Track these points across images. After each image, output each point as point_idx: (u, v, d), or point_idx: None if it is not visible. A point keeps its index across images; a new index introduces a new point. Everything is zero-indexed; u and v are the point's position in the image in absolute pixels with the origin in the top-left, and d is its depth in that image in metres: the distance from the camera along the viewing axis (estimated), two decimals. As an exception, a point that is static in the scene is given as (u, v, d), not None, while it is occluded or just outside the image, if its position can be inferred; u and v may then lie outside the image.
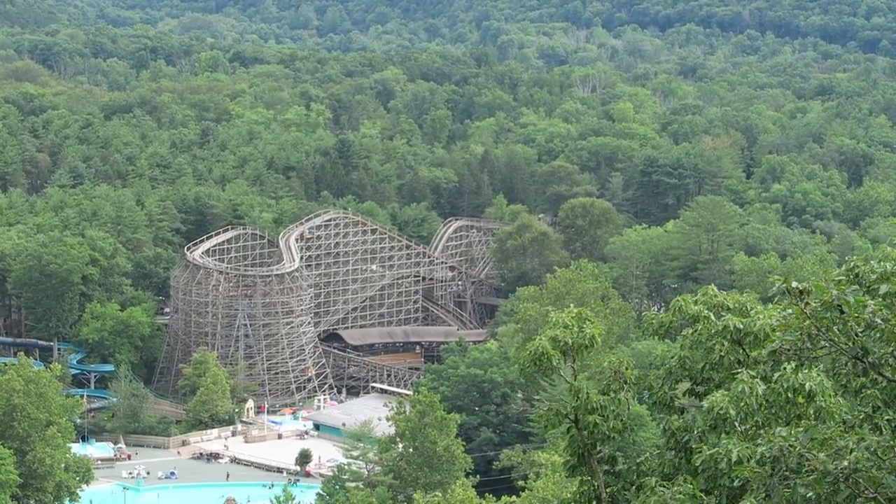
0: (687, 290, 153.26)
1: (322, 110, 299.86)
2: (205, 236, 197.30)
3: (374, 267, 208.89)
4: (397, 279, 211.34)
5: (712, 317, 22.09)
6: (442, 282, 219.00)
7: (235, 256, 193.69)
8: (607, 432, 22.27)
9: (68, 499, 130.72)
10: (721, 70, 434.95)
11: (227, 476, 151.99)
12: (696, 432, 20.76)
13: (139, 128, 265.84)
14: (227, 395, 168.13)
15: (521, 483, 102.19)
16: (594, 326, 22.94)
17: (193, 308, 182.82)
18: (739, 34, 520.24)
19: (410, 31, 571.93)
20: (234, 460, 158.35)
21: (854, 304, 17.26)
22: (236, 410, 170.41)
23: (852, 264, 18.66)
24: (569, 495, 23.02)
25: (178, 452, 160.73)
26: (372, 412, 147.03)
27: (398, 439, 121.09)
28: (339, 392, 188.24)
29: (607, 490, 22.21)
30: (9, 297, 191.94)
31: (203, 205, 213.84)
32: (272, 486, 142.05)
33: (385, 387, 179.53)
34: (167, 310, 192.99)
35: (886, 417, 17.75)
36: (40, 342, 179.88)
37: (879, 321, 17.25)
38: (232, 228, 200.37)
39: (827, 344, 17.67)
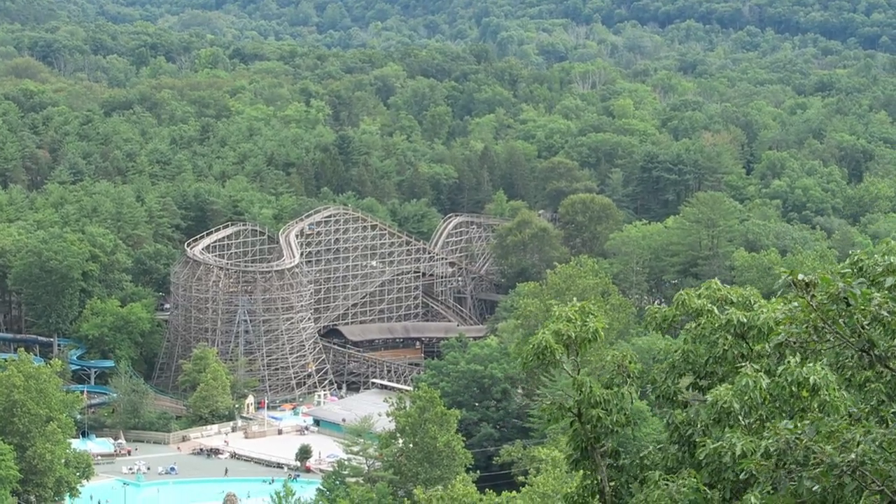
0: (687, 286, 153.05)
1: (322, 107, 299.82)
2: (205, 232, 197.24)
3: (374, 263, 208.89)
4: (397, 275, 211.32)
5: (716, 310, 22.05)
6: (442, 278, 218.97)
7: (235, 252, 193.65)
8: (610, 426, 22.24)
9: (68, 494, 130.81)
10: (721, 66, 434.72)
11: (226, 472, 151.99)
12: (699, 426, 20.72)
13: (139, 124, 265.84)
14: (227, 390, 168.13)
15: (521, 478, 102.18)
16: (597, 320, 22.91)
17: (193, 304, 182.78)
18: (739, 30, 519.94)
19: (410, 27, 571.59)
20: (235, 456, 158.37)
21: (860, 297, 17.22)
22: (236, 406, 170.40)
23: (856, 258, 18.62)
24: (571, 489, 23.01)
25: (178, 448, 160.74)
26: (372, 408, 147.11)
27: (398, 435, 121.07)
28: (340, 388, 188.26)
29: (610, 484, 22.20)
30: (9, 294, 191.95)
31: (203, 201, 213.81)
32: (272, 481, 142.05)
33: (385, 382, 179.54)
34: (167, 306, 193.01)
35: (892, 410, 17.72)
36: (40, 338, 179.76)
37: (886, 314, 17.21)
38: (232, 224, 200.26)
39: (833, 337, 17.64)
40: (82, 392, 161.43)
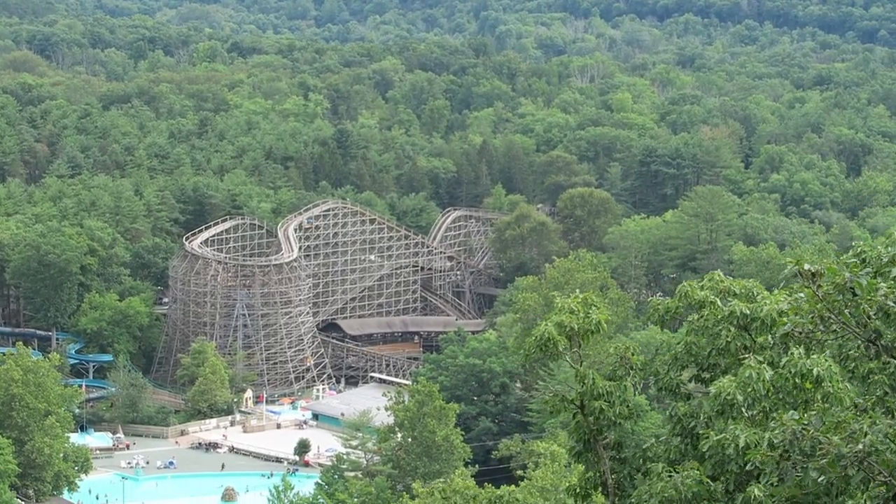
0: (685, 280, 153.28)
1: (320, 100, 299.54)
2: (203, 226, 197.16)
3: (372, 257, 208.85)
4: (396, 269, 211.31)
5: (718, 302, 21.96)
6: (440, 272, 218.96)
7: (234, 246, 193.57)
8: (613, 418, 22.15)
9: (67, 488, 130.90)
10: (719, 60, 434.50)
11: (223, 466, 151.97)
12: (702, 418, 20.65)
13: (137, 118, 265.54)
14: (225, 384, 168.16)
15: (519, 472, 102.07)
16: (600, 312, 22.82)
17: (192, 298, 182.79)
18: (738, 24, 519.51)
19: (408, 21, 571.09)
20: (233, 450, 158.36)
21: (867, 287, 17.14)
22: (235, 400, 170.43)
23: (859, 249, 18.53)
24: (573, 482, 22.95)
25: (177, 442, 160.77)
26: (370, 402, 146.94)
27: (397, 429, 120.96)
28: (338, 382, 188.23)
29: (613, 476, 22.12)
30: (7, 287, 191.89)
31: (201, 195, 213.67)
32: (271, 475, 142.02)
33: (384, 376, 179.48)
34: (166, 300, 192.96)
35: (897, 401, 17.67)
36: (39, 332, 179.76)
37: (892, 304, 17.12)
38: (230, 218, 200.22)
39: (839, 327, 17.56)
40: (81, 386, 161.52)
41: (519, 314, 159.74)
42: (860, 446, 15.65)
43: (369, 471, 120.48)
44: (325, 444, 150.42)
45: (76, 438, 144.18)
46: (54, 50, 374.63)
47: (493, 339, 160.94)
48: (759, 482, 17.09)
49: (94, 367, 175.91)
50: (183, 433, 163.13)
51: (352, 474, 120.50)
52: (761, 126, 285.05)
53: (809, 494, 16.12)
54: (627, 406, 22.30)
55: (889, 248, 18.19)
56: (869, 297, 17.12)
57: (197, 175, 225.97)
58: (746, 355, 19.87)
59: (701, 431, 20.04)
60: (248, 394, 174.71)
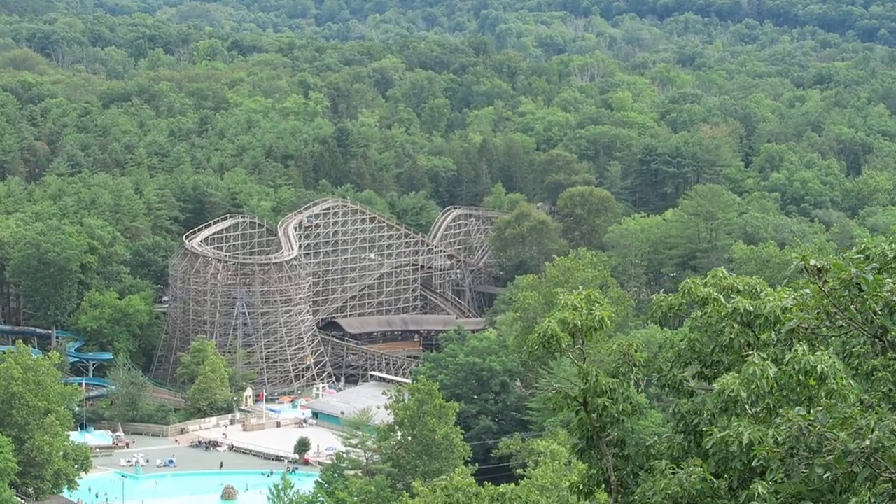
0: (686, 278, 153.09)
1: (320, 99, 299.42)
2: (203, 224, 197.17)
3: (372, 255, 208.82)
4: (396, 268, 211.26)
5: (722, 299, 21.91)
6: (440, 270, 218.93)
7: (234, 245, 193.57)
8: (616, 415, 22.11)
9: (67, 487, 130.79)
10: (719, 59, 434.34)
11: (221, 465, 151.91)
12: (705, 415, 20.60)
13: (137, 116, 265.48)
14: (225, 383, 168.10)
15: (519, 471, 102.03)
16: (603, 308, 22.77)
17: (192, 296, 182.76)
18: (738, 23, 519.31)
19: (409, 19, 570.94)
20: (233, 448, 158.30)
21: (873, 283, 17.07)
22: (235, 399, 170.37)
23: (863, 246, 18.47)
24: (576, 479, 22.91)
25: (177, 441, 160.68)
26: (370, 400, 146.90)
27: (397, 427, 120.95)
28: (338, 380, 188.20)
29: (616, 473, 22.07)
30: (7, 286, 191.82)
31: (201, 193, 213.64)
32: (271, 474, 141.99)
33: (383, 375, 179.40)
34: (166, 298, 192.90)
35: (903, 397, 17.61)
36: (38, 330, 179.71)
37: (898, 299, 17.07)
38: (230, 217, 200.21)
39: (845, 323, 17.50)
40: (80, 384, 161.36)
41: (519, 313, 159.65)
42: (867, 442, 15.59)
43: (369, 469, 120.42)
44: (325, 443, 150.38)
45: (76, 437, 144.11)
46: (54, 48, 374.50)
47: (493, 338, 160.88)
48: (764, 479, 17.05)
49: (93, 365, 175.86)
50: (183, 432, 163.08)
51: (352, 473, 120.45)
52: (761, 125, 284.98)
53: (815, 491, 16.07)
54: (631, 403, 22.25)
55: (894, 245, 18.11)
56: (875, 293, 17.06)
57: (197, 173, 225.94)
58: (750, 352, 19.82)
59: (704, 428, 19.99)
60: (248, 392, 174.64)
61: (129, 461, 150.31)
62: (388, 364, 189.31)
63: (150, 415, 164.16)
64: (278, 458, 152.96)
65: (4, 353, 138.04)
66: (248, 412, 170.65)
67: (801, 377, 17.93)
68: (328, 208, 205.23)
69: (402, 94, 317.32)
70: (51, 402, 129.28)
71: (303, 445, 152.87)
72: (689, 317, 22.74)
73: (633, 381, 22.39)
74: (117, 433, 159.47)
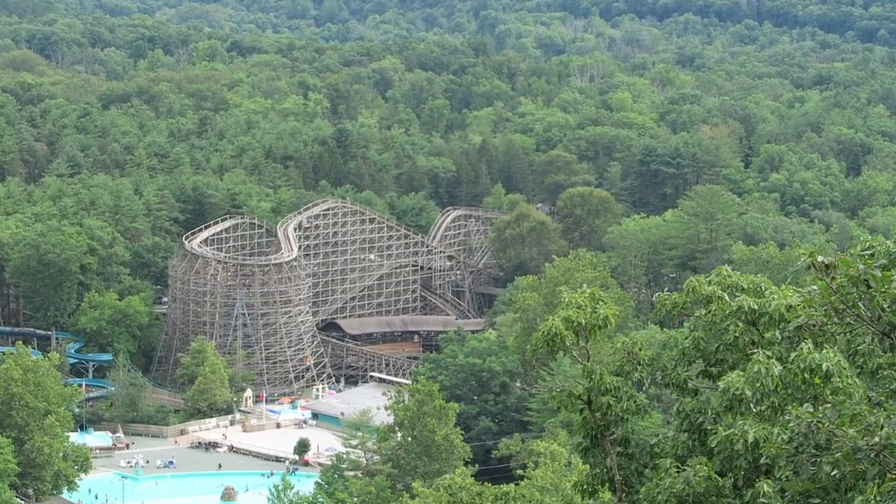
0: (685, 279, 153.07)
1: (320, 100, 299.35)
2: (203, 225, 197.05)
3: (372, 256, 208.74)
4: (395, 268, 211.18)
5: (726, 297, 21.85)
6: (440, 271, 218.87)
7: (233, 246, 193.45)
8: (620, 413, 22.05)
9: (66, 488, 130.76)
10: (719, 60, 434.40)
11: (220, 466, 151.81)
12: (710, 414, 20.54)
13: (137, 117, 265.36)
14: (225, 384, 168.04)
15: (519, 472, 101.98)
16: (607, 307, 22.70)
17: (192, 297, 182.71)
18: (737, 24, 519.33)
19: (408, 20, 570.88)
20: (233, 449, 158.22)
21: (881, 279, 17.00)
22: (234, 399, 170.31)
23: (867, 244, 18.39)
24: (575, 479, 22.85)
25: (176, 442, 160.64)
26: (370, 401, 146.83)
27: (397, 428, 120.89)
28: (338, 381, 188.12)
29: (620, 472, 22.00)
30: (7, 287, 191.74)
31: (201, 194, 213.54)
32: (271, 474, 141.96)
33: (383, 376, 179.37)
34: (165, 299, 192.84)
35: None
36: (38, 331, 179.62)
37: (907, 296, 17.00)
38: (230, 218, 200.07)
39: (852, 320, 17.44)
40: (80, 385, 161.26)
41: (519, 313, 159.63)
42: (876, 439, 15.52)
43: (369, 470, 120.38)
44: (325, 444, 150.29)
45: (76, 438, 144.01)
46: (54, 49, 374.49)
47: (492, 339, 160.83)
48: (773, 476, 16.99)
49: (93, 366, 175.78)
50: (182, 432, 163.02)
51: (351, 474, 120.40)
52: (761, 125, 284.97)
53: (822, 489, 16.00)
54: (635, 402, 22.19)
55: (896, 245, 18.04)
56: (883, 290, 16.99)
57: (196, 174, 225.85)
58: (754, 350, 19.76)
59: (709, 427, 19.93)
60: (248, 393, 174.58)
61: (128, 462, 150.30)
62: (387, 365, 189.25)
63: (149, 416, 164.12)
64: (278, 459, 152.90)
65: (4, 354, 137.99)
66: (248, 413, 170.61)
67: (806, 375, 17.87)
68: (328, 209, 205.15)
69: (402, 94, 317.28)
70: (50, 403, 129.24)
71: (303, 446, 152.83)
72: (692, 316, 22.67)
73: (635, 381, 22.33)
74: (117, 434, 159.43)
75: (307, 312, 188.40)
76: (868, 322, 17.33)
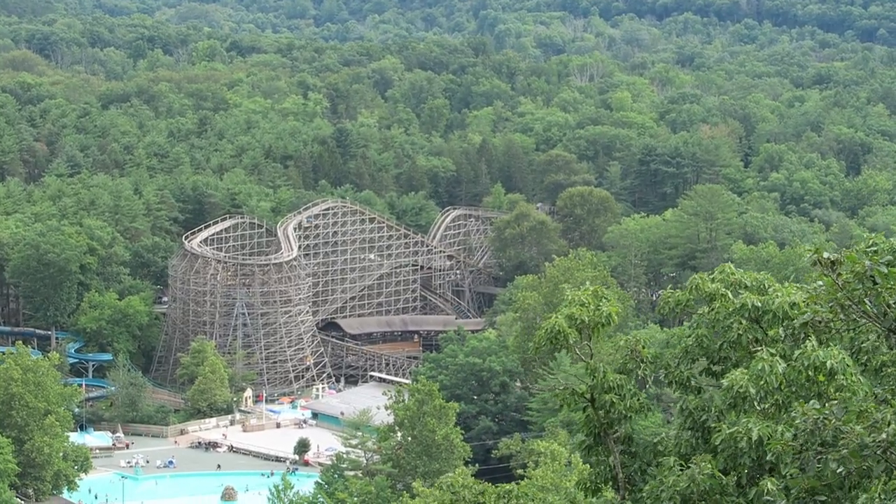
0: (685, 278, 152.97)
1: (319, 99, 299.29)
2: (203, 225, 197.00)
3: (372, 256, 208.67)
4: (395, 268, 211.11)
5: (730, 295, 21.78)
6: (440, 271, 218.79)
7: (233, 245, 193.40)
8: (624, 411, 21.99)
9: (66, 488, 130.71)
10: (719, 59, 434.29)
11: (219, 466, 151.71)
12: (713, 411, 20.48)
13: (136, 117, 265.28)
14: (225, 384, 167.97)
15: (519, 472, 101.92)
16: (611, 304, 22.63)
17: (191, 297, 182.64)
18: (737, 23, 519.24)
19: (408, 20, 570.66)
20: (233, 449, 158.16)
21: (887, 275, 16.93)
22: (234, 399, 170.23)
23: (871, 241, 18.33)
24: (576, 479, 22.80)
25: (176, 441, 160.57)
26: (370, 401, 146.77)
27: (397, 428, 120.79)
28: (338, 381, 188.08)
29: (623, 470, 21.93)
30: (6, 286, 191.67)
31: (201, 194, 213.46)
32: (271, 474, 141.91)
33: (383, 376, 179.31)
34: (165, 299, 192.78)
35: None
36: (38, 331, 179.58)
37: (912, 292, 16.94)
38: (230, 217, 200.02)
39: (858, 316, 17.38)
40: (80, 385, 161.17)
41: (519, 313, 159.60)
42: (883, 435, 15.47)
43: (369, 470, 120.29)
44: (325, 444, 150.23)
45: (76, 438, 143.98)
46: (53, 49, 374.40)
47: (492, 338, 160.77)
48: (779, 473, 16.93)
49: (93, 366, 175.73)
50: (182, 432, 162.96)
51: (352, 473, 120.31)
52: (761, 125, 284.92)
53: (828, 486, 15.94)
54: (638, 399, 22.12)
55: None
56: (889, 286, 16.93)
57: (196, 174, 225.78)
58: (758, 348, 19.70)
59: (712, 425, 19.88)
60: (248, 393, 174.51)
61: (128, 462, 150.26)
62: (387, 364, 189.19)
63: (149, 416, 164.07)
64: (278, 459, 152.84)
65: (4, 354, 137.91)
66: (248, 413, 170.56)
67: (810, 373, 17.83)
68: (327, 209, 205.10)
69: (402, 94, 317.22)
70: (50, 403, 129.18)
71: (303, 446, 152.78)
72: (694, 314, 22.59)
73: (638, 379, 22.26)
74: (117, 434, 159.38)
75: (307, 312, 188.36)
76: (874, 318, 17.28)
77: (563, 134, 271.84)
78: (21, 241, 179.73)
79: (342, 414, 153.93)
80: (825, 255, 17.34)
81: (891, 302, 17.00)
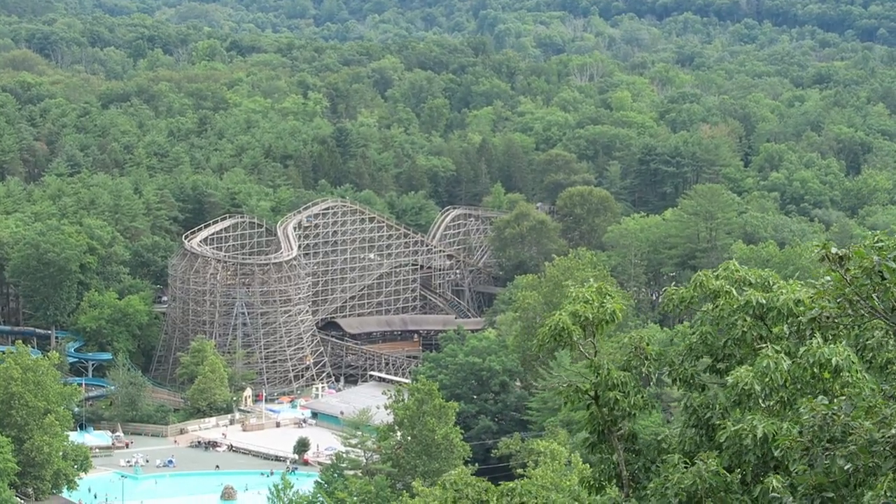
0: (685, 278, 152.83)
1: (319, 99, 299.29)
2: (203, 225, 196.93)
3: (371, 255, 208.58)
4: (395, 268, 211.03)
5: (734, 292, 21.70)
6: (440, 270, 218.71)
7: (233, 245, 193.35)
8: (628, 409, 21.91)
9: (66, 487, 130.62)
10: (719, 58, 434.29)
11: (217, 466, 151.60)
12: (717, 409, 20.41)
13: (136, 116, 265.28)
14: (224, 383, 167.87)
15: (519, 471, 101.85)
16: (615, 301, 22.54)
17: (191, 296, 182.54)
18: (737, 23, 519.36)
19: (407, 20, 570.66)
20: (232, 449, 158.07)
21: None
22: (234, 399, 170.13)
23: (876, 238, 18.26)
24: (579, 475, 22.74)
25: (176, 441, 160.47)
26: (370, 400, 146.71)
27: (396, 427, 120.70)
28: (337, 380, 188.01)
29: (627, 468, 21.86)
30: (6, 286, 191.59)
31: (201, 193, 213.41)
32: (270, 474, 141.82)
33: (383, 375, 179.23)
34: (165, 298, 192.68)
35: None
36: (38, 330, 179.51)
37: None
38: (230, 217, 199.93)
39: (866, 312, 17.29)
40: (80, 384, 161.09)
41: (518, 312, 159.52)
42: (893, 431, 15.39)
43: (369, 469, 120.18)
44: (325, 443, 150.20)
45: (75, 437, 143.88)
46: (53, 48, 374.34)
47: (492, 338, 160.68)
48: (784, 470, 16.85)
49: (93, 365, 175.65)
50: (182, 432, 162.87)
51: (351, 473, 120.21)
52: (761, 124, 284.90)
53: (835, 483, 15.86)
54: (642, 396, 22.03)
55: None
56: (898, 282, 16.85)
57: (196, 173, 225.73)
58: (763, 345, 19.62)
59: (717, 422, 19.80)
60: (248, 392, 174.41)
61: (128, 461, 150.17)
62: (387, 364, 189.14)
63: (149, 415, 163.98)
64: (278, 459, 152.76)
65: (4, 353, 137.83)
66: (248, 412, 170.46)
67: (815, 370, 17.76)
68: (327, 208, 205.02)
69: (401, 94, 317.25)
70: (50, 402, 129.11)
71: (302, 445, 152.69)
72: (699, 311, 22.51)
73: (643, 377, 22.18)
74: (117, 433, 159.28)
75: (307, 311, 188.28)
76: (882, 314, 17.19)
77: (563, 133, 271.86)
78: (21, 240, 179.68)
79: (342, 413, 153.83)
80: (833, 250, 17.26)
81: (899, 297, 16.93)
